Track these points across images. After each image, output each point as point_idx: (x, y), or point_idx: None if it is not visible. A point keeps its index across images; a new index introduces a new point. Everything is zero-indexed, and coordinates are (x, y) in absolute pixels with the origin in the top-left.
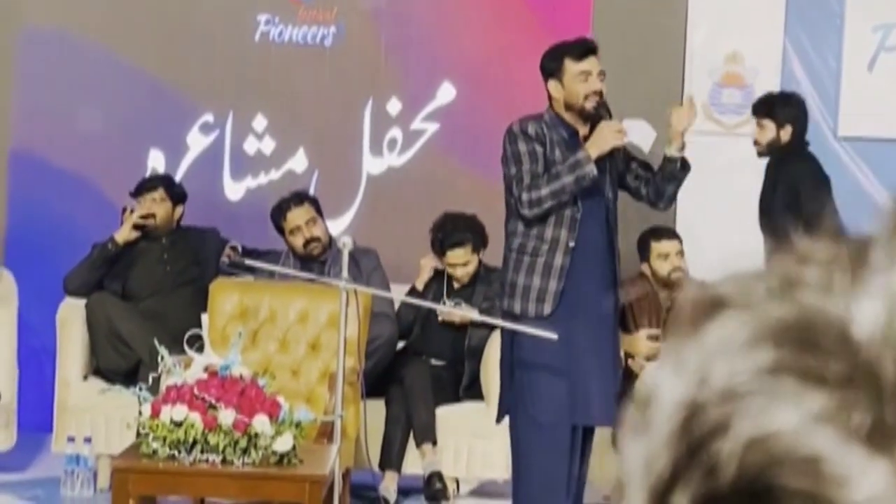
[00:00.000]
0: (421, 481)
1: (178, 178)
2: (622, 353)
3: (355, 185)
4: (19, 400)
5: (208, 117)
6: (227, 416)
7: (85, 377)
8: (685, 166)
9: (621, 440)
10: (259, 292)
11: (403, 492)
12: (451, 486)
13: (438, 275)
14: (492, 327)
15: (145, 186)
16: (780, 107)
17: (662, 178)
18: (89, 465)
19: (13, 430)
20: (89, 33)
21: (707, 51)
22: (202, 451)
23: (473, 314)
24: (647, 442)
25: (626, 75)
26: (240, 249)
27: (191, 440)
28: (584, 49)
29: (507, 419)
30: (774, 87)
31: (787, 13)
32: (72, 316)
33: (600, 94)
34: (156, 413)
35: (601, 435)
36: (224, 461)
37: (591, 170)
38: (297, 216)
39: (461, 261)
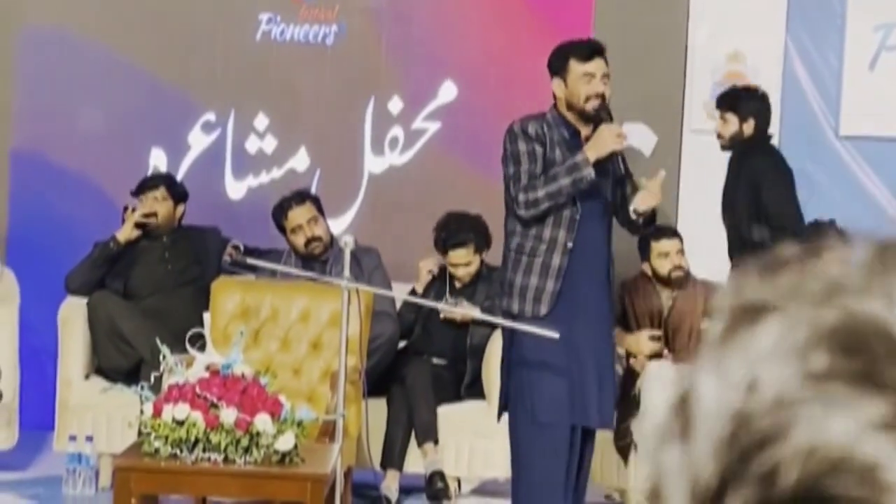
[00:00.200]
0: (422, 480)
1: (179, 177)
2: (623, 353)
3: (357, 184)
4: (21, 399)
5: (210, 116)
6: (228, 414)
7: (86, 376)
8: (648, 224)
9: (653, 448)
10: (261, 291)
11: (405, 491)
12: (452, 485)
13: (441, 274)
14: (494, 326)
15: (147, 185)
16: (742, 101)
17: (623, 221)
18: (91, 464)
19: (15, 429)
20: (90, 33)
21: (708, 50)
22: (204, 450)
23: (475, 312)
24: (690, 450)
25: (628, 74)
26: (241, 248)
27: (192, 439)
28: (589, 50)
29: (506, 417)
30: (776, 86)
31: (789, 12)
32: (73, 315)
33: (603, 96)
34: (157, 412)
35: (602, 435)
36: (226, 460)
37: (589, 173)
38: (299, 215)
39: (463, 261)
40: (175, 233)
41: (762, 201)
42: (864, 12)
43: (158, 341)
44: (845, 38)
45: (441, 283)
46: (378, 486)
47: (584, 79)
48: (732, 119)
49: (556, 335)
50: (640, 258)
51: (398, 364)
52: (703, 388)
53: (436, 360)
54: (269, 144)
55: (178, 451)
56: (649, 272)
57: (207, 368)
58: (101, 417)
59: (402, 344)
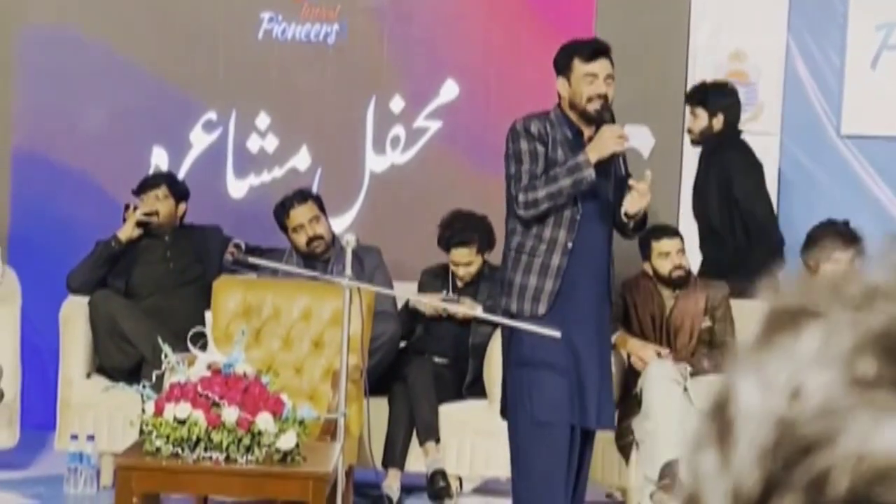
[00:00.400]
0: (424, 479)
1: (181, 175)
2: (624, 354)
3: (358, 183)
4: (22, 398)
5: (211, 115)
6: (230, 413)
7: (88, 375)
8: (639, 227)
9: (688, 453)
10: (262, 290)
11: (406, 490)
12: (454, 484)
13: (443, 272)
14: (495, 325)
15: (148, 184)
16: (712, 96)
17: (616, 224)
18: (92, 463)
19: (16, 428)
20: (91, 32)
21: (710, 48)
22: (205, 449)
23: (477, 310)
24: (730, 456)
25: (629, 73)
26: (243, 247)
27: (194, 438)
28: (593, 50)
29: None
30: (778, 85)
31: (791, 11)
32: (75, 314)
33: (605, 97)
34: (159, 411)
35: (602, 434)
36: (227, 459)
37: (590, 174)
38: (300, 214)
39: (464, 260)
40: (176, 232)
41: (733, 195)
42: (865, 11)
43: (160, 340)
44: (847, 37)
45: (444, 281)
46: (380, 485)
47: (587, 79)
48: (702, 114)
49: (557, 334)
50: (640, 258)
51: (400, 363)
52: (743, 393)
53: (437, 359)
54: (271, 143)
55: (179, 450)
56: (650, 272)
57: (209, 367)
58: (102, 416)
59: (403, 343)
